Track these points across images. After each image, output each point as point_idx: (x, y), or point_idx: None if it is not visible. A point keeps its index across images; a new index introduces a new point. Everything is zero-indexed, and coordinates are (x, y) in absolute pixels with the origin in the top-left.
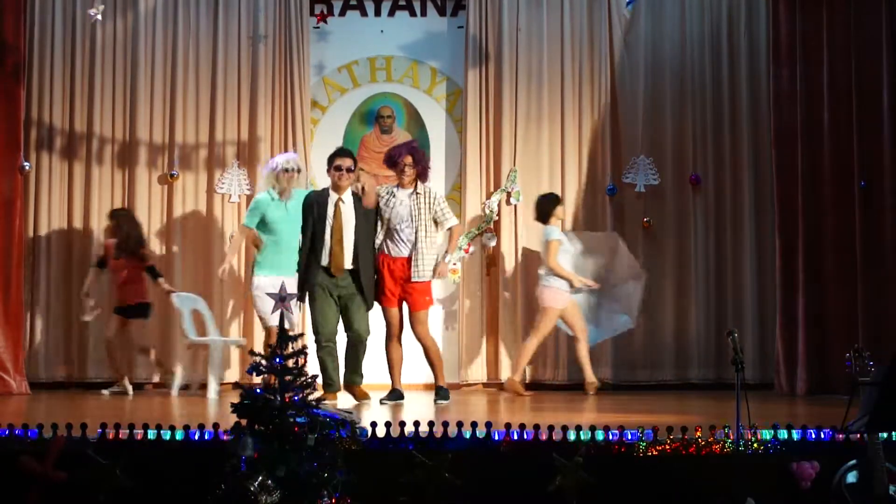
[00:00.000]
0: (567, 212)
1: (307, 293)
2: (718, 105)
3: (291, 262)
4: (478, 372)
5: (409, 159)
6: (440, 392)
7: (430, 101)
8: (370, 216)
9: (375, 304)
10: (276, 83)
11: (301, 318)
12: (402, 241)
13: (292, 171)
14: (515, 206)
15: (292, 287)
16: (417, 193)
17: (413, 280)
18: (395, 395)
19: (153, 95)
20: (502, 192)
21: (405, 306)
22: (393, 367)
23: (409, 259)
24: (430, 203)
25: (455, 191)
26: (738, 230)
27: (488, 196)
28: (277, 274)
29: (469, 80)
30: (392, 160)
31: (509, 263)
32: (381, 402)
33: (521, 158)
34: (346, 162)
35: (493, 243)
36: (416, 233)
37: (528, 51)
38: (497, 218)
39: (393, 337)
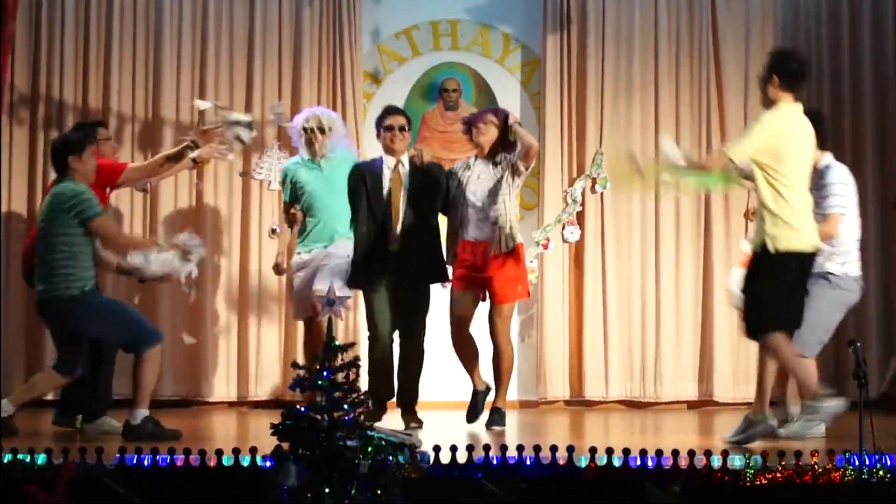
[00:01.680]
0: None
1: (363, 284)
2: (837, 77)
3: (331, 231)
4: (559, 387)
5: (490, 116)
6: (496, 415)
7: (502, 73)
8: (431, 186)
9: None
10: (324, 52)
11: (353, 319)
12: (484, 220)
13: (312, 132)
14: (602, 194)
15: (335, 277)
16: (496, 163)
17: (498, 252)
18: (492, 420)
19: (180, 66)
20: (587, 178)
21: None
22: (470, 364)
23: (489, 239)
24: (510, 167)
25: (532, 177)
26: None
27: (570, 183)
28: (314, 247)
29: (548, 48)
30: (471, 122)
31: (595, 261)
32: (488, 428)
33: (608, 139)
34: (399, 120)
35: (575, 238)
36: (500, 208)
37: (616, 13)
38: (581, 208)
39: (462, 329)
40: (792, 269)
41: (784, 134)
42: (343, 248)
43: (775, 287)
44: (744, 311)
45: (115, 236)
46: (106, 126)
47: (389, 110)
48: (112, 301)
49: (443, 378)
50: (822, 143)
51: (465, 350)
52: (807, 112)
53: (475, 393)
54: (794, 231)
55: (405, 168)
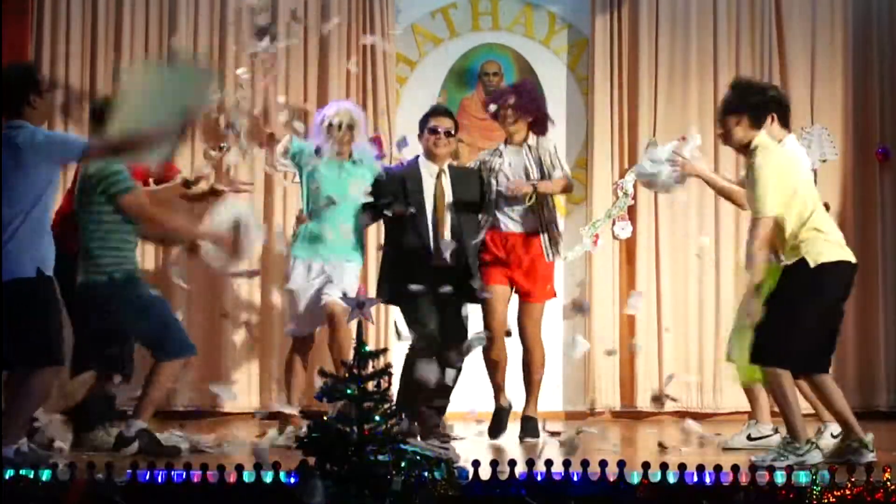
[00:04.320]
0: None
1: (399, 297)
2: None
3: (333, 244)
4: (609, 396)
5: (511, 99)
6: (529, 425)
7: (547, 55)
8: (473, 187)
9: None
10: (353, 31)
11: (382, 328)
12: (516, 211)
13: (342, 128)
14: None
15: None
16: (530, 146)
17: (546, 259)
18: (524, 431)
19: (196, 45)
20: None
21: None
22: (500, 378)
23: (528, 235)
24: (546, 157)
25: (579, 167)
26: None
27: (622, 175)
28: (314, 256)
29: (597, 28)
30: (494, 105)
31: (648, 259)
32: (521, 441)
33: (662, 126)
34: (445, 123)
35: (627, 234)
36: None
37: None
38: (633, 202)
39: (495, 335)
40: (833, 285)
41: (792, 174)
42: (350, 277)
43: (811, 311)
44: (758, 333)
45: (153, 214)
46: None
47: (436, 111)
48: (153, 296)
49: (471, 388)
50: (785, 124)
51: (498, 362)
52: (768, 91)
53: (500, 410)
54: (832, 243)
55: (447, 177)
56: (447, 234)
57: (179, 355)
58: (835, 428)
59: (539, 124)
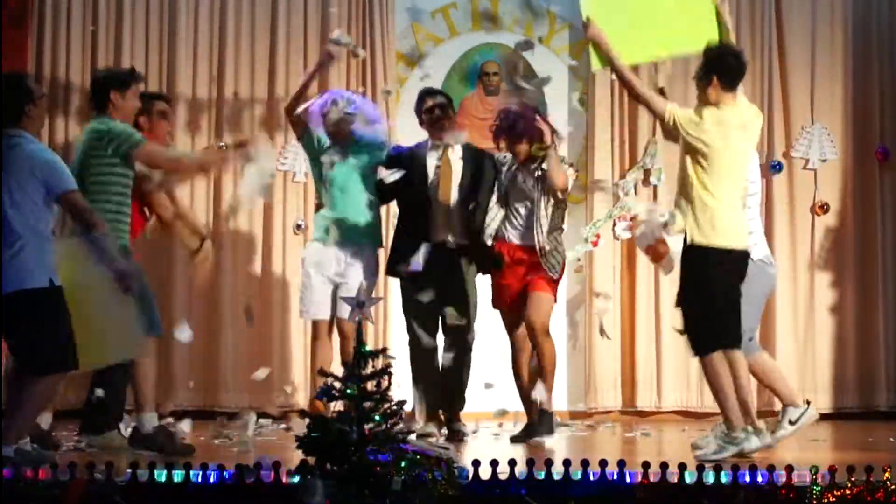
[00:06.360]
0: None
1: (397, 272)
2: None
3: (348, 229)
4: (609, 397)
5: (524, 148)
6: (544, 419)
7: (547, 55)
8: (487, 173)
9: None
10: (353, 30)
11: (384, 324)
12: (522, 223)
13: (340, 117)
14: (656, 186)
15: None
16: (534, 176)
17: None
18: (539, 426)
19: (197, 42)
20: (639, 169)
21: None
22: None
23: (532, 246)
24: (543, 183)
25: (580, 169)
26: None
27: (622, 175)
28: (331, 241)
29: None
30: (500, 131)
31: (648, 259)
32: (513, 440)
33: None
34: (438, 100)
35: (628, 235)
36: (532, 210)
37: None
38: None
39: (521, 351)
40: (714, 267)
41: (717, 136)
42: (369, 261)
43: (704, 291)
44: (684, 323)
45: (169, 159)
46: (169, 101)
47: (427, 92)
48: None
49: (475, 388)
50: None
51: (527, 374)
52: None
53: (542, 413)
54: (717, 224)
55: (456, 154)
56: (449, 211)
57: (152, 334)
58: (793, 413)
59: (537, 141)
